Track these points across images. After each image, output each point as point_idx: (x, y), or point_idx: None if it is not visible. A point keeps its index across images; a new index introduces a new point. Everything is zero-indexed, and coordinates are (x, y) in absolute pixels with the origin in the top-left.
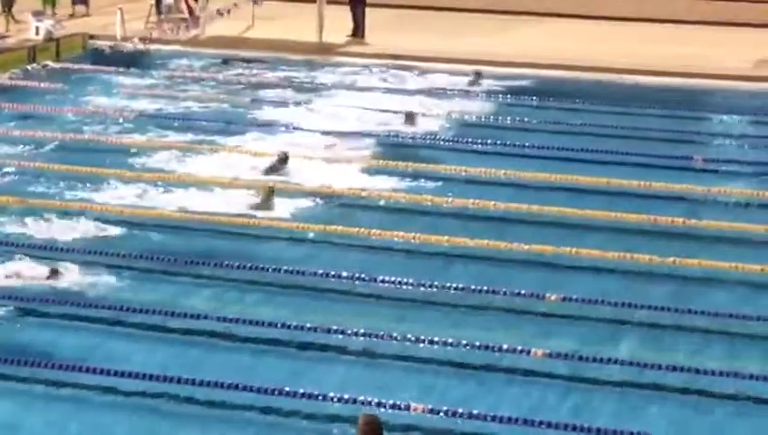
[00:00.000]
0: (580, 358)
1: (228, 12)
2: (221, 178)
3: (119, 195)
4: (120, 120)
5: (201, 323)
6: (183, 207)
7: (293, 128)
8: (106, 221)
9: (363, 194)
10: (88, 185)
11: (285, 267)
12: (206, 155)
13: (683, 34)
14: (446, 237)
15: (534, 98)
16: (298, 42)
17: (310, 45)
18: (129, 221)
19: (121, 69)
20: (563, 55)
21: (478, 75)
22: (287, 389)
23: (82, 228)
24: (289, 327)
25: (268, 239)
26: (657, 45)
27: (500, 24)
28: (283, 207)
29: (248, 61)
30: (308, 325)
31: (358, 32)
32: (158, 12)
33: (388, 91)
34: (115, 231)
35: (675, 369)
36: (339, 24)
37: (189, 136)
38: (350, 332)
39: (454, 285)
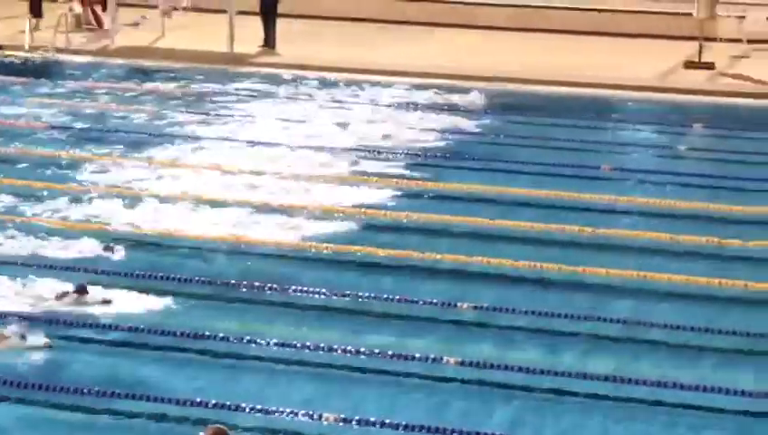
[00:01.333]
0: (491, 366)
1: (137, 24)
2: (138, 190)
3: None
4: (30, 132)
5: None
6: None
7: (203, 138)
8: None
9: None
10: None
11: None
12: (122, 167)
13: (585, 45)
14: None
15: (442, 108)
16: (209, 52)
17: (221, 56)
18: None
19: (30, 79)
20: (468, 66)
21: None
22: None
23: None
24: None
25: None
26: (561, 56)
27: (413, 33)
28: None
29: (158, 71)
30: None
31: (269, 42)
32: (68, 21)
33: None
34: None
35: (585, 377)
36: (250, 34)
37: (102, 147)
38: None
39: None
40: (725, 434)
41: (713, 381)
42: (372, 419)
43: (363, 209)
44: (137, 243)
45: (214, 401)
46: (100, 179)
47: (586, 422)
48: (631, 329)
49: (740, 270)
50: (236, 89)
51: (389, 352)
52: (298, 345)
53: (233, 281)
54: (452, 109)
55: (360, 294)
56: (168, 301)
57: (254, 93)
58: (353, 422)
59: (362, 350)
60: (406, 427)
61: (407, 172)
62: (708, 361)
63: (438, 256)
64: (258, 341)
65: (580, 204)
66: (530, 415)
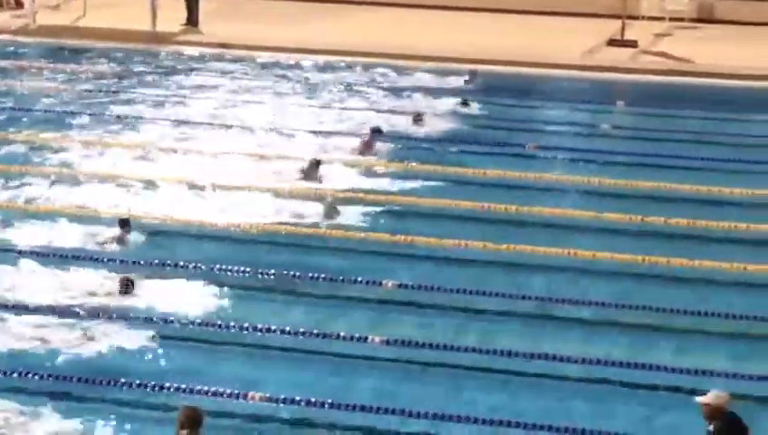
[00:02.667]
0: (417, 344)
1: (57, 5)
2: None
3: None
4: None
5: None
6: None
7: (124, 117)
8: None
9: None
10: None
11: None
12: (40, 147)
13: (513, 24)
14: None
15: (367, 85)
16: (131, 31)
17: (143, 34)
18: None
19: None
20: (399, 44)
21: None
22: None
23: None
24: None
25: None
26: (484, 35)
27: (341, 11)
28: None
29: (80, 51)
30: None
31: (191, 20)
32: None
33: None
34: None
35: (508, 354)
36: (173, 12)
37: (20, 126)
38: None
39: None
40: (643, 409)
41: (630, 357)
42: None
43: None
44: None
45: None
46: (18, 158)
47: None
48: (548, 306)
49: (662, 247)
50: (159, 67)
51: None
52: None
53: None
54: (377, 88)
55: None
56: None
57: (179, 71)
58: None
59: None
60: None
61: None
62: (626, 337)
63: (362, 235)
64: None
65: (505, 182)
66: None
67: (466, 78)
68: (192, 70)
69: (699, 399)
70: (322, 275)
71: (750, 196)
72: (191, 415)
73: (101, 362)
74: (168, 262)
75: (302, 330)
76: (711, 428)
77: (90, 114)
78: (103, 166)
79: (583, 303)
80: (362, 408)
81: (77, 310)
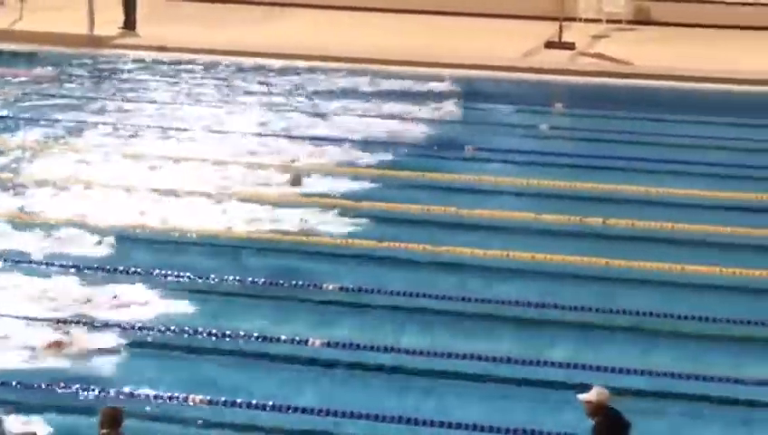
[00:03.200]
0: (358, 346)
1: None
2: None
3: None
4: None
5: None
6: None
7: (59, 121)
8: None
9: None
10: None
11: None
12: None
13: (449, 26)
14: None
15: (297, 88)
16: (68, 34)
17: (80, 38)
18: None
19: None
20: (324, 46)
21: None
22: None
23: None
24: None
25: None
26: (421, 37)
27: (273, 13)
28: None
29: (17, 54)
30: None
31: (129, 23)
32: None
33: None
34: None
35: (448, 356)
36: (111, 15)
37: None
38: None
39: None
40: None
41: (573, 358)
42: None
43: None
44: None
45: None
46: None
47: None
48: (490, 307)
49: (601, 248)
50: (97, 70)
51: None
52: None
53: None
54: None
55: None
56: None
57: (117, 74)
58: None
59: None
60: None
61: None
62: (566, 338)
63: (304, 238)
64: None
65: (444, 184)
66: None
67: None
68: (130, 73)
69: (581, 396)
70: (263, 279)
71: (687, 196)
72: (112, 414)
73: None
74: None
75: (241, 333)
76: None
77: (25, 119)
78: (38, 170)
79: (521, 304)
80: (303, 410)
81: None
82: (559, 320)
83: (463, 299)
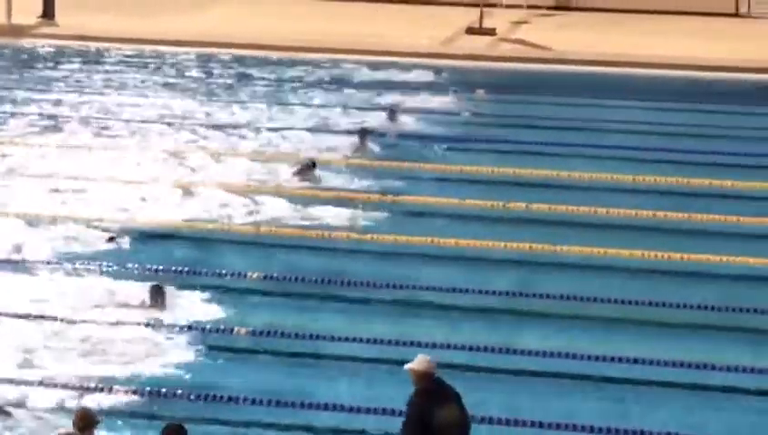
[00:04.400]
0: (282, 334)
1: None
2: None
3: None
4: None
5: None
6: None
7: None
8: None
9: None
10: None
11: None
12: None
13: (369, 13)
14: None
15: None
16: None
17: None
18: None
19: None
20: (252, 34)
21: None
22: None
23: None
24: None
25: None
26: (343, 23)
27: (201, 1)
28: None
29: None
30: None
31: (47, 12)
32: None
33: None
34: None
35: (373, 341)
36: (29, 4)
37: None
38: None
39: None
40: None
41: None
42: None
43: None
44: None
45: None
46: None
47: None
48: (412, 294)
49: (524, 232)
50: (14, 60)
51: None
52: None
53: None
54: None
55: None
56: None
57: (36, 64)
58: None
59: None
60: None
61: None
62: (491, 323)
63: (218, 226)
64: None
65: (370, 171)
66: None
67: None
68: (49, 62)
69: (406, 366)
70: (186, 268)
71: (609, 181)
72: (84, 416)
73: None
74: None
75: (165, 322)
76: None
77: None
78: None
79: (447, 290)
80: (230, 399)
81: None
82: (483, 307)
83: (387, 286)
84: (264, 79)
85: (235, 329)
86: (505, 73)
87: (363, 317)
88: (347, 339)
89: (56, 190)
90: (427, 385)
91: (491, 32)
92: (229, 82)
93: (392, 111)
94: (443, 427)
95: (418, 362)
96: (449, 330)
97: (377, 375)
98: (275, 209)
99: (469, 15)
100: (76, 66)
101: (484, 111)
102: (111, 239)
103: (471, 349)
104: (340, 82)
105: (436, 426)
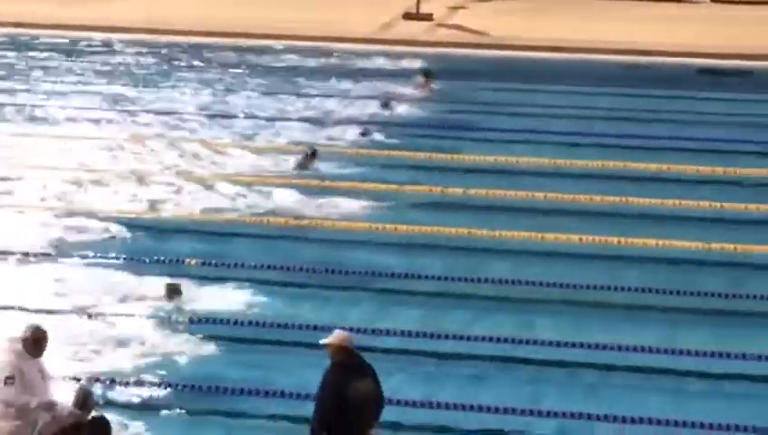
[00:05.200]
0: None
1: None
2: None
3: None
4: None
5: None
6: None
7: None
8: None
9: None
10: None
11: None
12: None
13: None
14: None
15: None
16: None
17: None
18: None
19: None
20: (172, 20)
21: None
22: None
23: None
24: None
25: None
26: (278, 9)
27: None
28: None
29: None
30: None
31: None
32: None
33: None
34: None
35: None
36: None
37: None
38: None
39: None
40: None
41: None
42: None
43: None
44: None
45: None
46: None
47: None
48: (356, 278)
49: (462, 217)
50: None
51: None
52: None
53: None
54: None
55: None
56: None
57: None
58: None
59: None
60: None
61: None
62: (419, 307)
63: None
64: None
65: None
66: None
67: None
68: None
69: (322, 341)
70: (125, 255)
71: (548, 165)
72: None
73: None
74: None
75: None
76: None
77: None
78: None
79: (377, 274)
80: (173, 385)
81: None
82: (413, 290)
83: (327, 271)
84: (194, 66)
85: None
86: (443, 58)
87: (311, 305)
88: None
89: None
90: (342, 359)
91: (428, 17)
92: (165, 68)
93: (385, 102)
94: (358, 400)
95: (335, 336)
96: (374, 315)
97: None
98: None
99: (406, 1)
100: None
101: (422, 96)
102: None
103: (402, 334)
104: (273, 69)
105: (351, 399)
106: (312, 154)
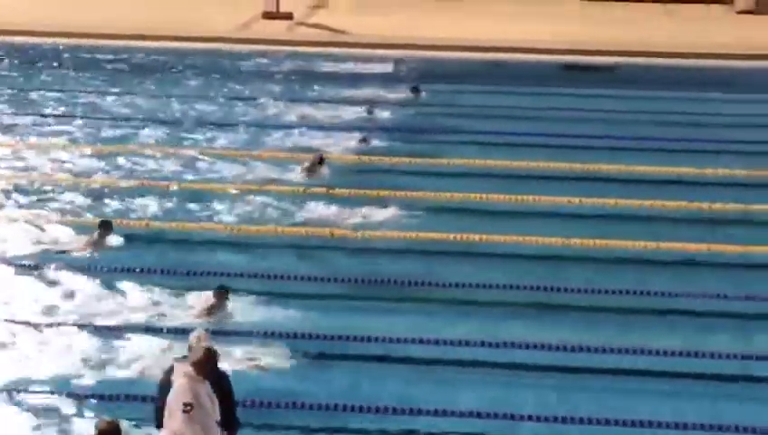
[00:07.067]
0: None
1: None
2: None
3: None
4: None
5: None
6: None
7: None
8: None
9: None
10: None
11: None
12: None
13: None
14: None
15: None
16: None
17: None
18: None
19: None
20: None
21: None
22: None
23: None
24: None
25: None
26: (137, 9)
27: None
28: None
29: None
30: None
31: None
32: None
33: None
34: None
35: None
36: None
37: None
38: None
39: None
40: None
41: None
42: None
43: None
44: None
45: None
46: None
47: None
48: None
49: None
50: None
51: None
52: None
53: None
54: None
55: None
56: None
57: None
58: None
59: None
60: None
61: None
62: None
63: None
64: None
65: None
66: None
67: None
68: None
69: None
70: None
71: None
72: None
73: None
74: None
75: None
76: None
77: None
78: None
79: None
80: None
81: None
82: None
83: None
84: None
85: None
86: (303, 57)
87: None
88: None
89: None
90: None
91: (288, 16)
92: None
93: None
94: None
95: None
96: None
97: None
98: None
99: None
100: None
101: (287, 96)
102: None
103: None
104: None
105: None
106: (319, 161)
